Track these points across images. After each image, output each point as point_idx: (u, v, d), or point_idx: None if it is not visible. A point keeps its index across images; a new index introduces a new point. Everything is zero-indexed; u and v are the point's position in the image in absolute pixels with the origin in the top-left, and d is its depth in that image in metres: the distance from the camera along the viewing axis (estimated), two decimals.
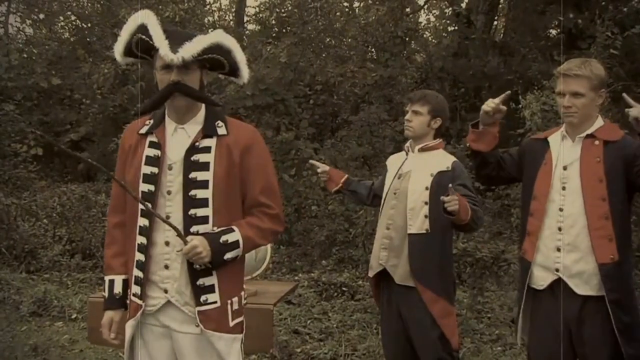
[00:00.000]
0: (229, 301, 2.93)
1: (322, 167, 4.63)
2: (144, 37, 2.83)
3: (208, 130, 2.93)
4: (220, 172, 2.88)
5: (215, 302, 2.88)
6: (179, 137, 2.93)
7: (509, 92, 3.64)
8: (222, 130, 2.95)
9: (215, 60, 2.91)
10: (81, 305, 7.15)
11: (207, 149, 2.90)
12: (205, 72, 2.97)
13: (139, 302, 2.94)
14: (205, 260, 2.79)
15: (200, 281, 2.86)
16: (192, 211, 2.85)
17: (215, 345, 2.89)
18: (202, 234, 2.82)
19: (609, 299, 3.33)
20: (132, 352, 3.06)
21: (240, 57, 2.97)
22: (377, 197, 4.42)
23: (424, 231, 3.99)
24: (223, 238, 2.84)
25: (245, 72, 3.04)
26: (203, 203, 2.85)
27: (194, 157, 2.88)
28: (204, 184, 2.86)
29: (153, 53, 2.88)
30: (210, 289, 2.88)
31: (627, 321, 3.33)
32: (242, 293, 3.05)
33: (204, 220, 2.85)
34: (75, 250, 9.35)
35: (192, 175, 2.86)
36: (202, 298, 2.87)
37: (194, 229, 2.84)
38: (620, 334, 3.32)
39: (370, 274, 4.21)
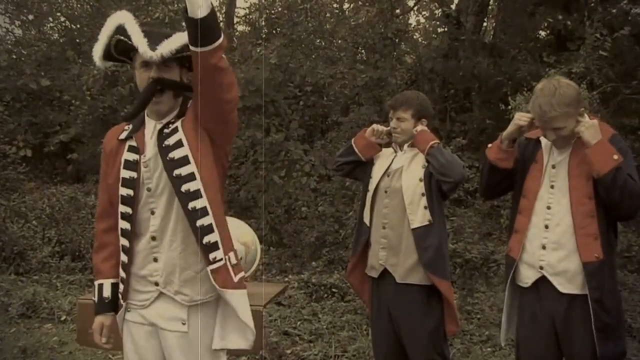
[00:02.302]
0: (227, 256, 2.93)
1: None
2: (122, 37, 2.84)
3: (177, 117, 2.97)
4: (193, 142, 2.88)
5: (221, 260, 2.89)
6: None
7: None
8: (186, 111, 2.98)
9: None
10: (70, 307, 7.13)
11: (174, 130, 2.92)
12: (185, 71, 2.99)
13: (121, 300, 3.03)
14: None
15: (205, 239, 2.86)
16: (184, 187, 2.85)
17: (230, 302, 2.89)
18: None
19: (591, 297, 3.35)
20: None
21: None
22: (346, 168, 4.42)
23: (427, 222, 4.00)
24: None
25: None
26: (190, 178, 2.86)
27: (166, 142, 2.90)
28: (184, 161, 2.87)
29: (132, 54, 2.91)
30: (215, 246, 2.89)
31: (607, 321, 3.36)
32: (235, 248, 3.06)
33: (196, 195, 2.85)
34: (64, 252, 9.33)
35: (170, 155, 2.87)
36: (211, 256, 2.88)
37: (191, 204, 2.84)
38: (598, 333, 3.35)
39: (374, 274, 4.19)
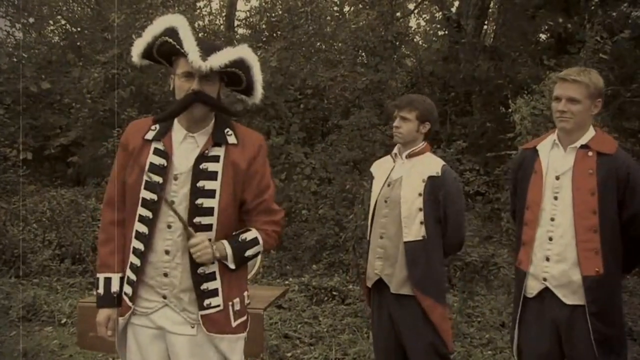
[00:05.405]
0: (231, 303, 2.93)
1: None
2: (170, 40, 2.79)
3: (217, 138, 2.92)
4: (227, 181, 2.87)
5: (218, 306, 2.89)
6: (187, 145, 2.92)
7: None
8: (232, 139, 2.94)
9: (234, 75, 2.89)
10: (71, 310, 7.12)
11: (215, 158, 2.89)
12: (223, 85, 2.95)
13: (129, 303, 2.96)
14: (209, 257, 2.80)
15: (204, 286, 2.86)
16: (197, 219, 2.84)
17: (218, 346, 2.91)
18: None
19: (589, 310, 3.36)
20: (122, 349, 3.08)
21: (258, 76, 2.96)
22: None
23: (421, 238, 3.98)
24: (241, 237, 2.88)
25: (258, 92, 3.02)
26: (208, 212, 2.84)
27: (203, 166, 2.87)
28: (210, 193, 2.85)
29: (174, 59, 2.87)
30: (213, 293, 2.88)
31: (607, 334, 3.37)
32: (245, 293, 3.06)
33: (207, 228, 2.85)
34: (64, 255, 9.32)
35: (200, 184, 2.85)
36: (206, 302, 2.87)
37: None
38: (598, 345, 3.36)
39: (369, 283, 4.20)
